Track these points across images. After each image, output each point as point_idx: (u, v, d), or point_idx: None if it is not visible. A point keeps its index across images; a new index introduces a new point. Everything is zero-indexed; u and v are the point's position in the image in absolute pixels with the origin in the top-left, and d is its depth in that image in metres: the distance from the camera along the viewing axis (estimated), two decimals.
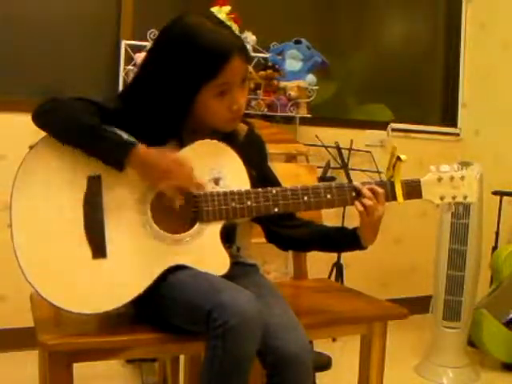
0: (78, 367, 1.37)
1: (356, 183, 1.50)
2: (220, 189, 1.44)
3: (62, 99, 1.39)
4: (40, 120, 1.37)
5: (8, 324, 2.71)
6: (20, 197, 1.36)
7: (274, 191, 1.46)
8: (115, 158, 1.35)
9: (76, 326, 1.41)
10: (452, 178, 1.53)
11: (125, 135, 1.36)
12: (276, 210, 1.46)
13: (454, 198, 1.53)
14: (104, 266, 1.37)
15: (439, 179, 1.53)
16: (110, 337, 1.37)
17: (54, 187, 1.38)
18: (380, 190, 1.49)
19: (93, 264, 1.37)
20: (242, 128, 1.57)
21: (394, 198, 1.52)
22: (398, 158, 1.49)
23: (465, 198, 1.54)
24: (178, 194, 1.39)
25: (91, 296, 1.36)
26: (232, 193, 1.43)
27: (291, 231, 1.63)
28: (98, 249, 1.37)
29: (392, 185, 1.52)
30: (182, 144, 1.46)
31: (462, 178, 1.53)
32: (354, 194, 1.50)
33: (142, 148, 1.35)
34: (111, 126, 1.38)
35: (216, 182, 1.44)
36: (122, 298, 1.37)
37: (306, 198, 1.48)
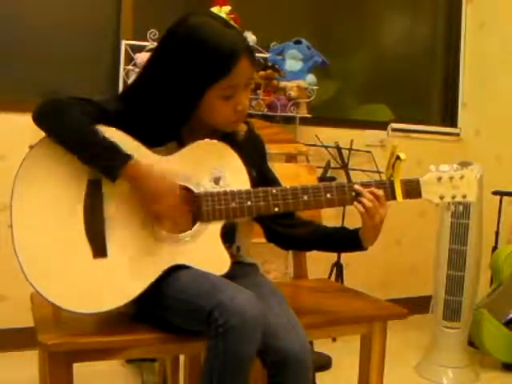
0: (77, 367, 1.37)
1: (357, 186, 1.50)
2: (220, 188, 1.44)
3: (63, 100, 1.38)
4: (39, 121, 1.37)
5: (8, 324, 2.71)
6: (20, 197, 1.36)
7: (273, 191, 1.46)
8: (108, 169, 1.35)
9: (76, 325, 1.41)
10: (451, 178, 1.53)
11: (121, 146, 1.35)
12: (276, 209, 1.47)
13: (453, 197, 1.53)
14: (105, 265, 1.37)
15: (439, 179, 1.53)
16: (109, 337, 1.37)
17: (55, 187, 1.37)
18: (381, 193, 1.49)
19: (93, 264, 1.37)
20: (242, 128, 1.57)
21: (394, 197, 1.52)
22: (398, 157, 1.49)
23: (464, 197, 1.54)
24: (167, 217, 1.38)
25: (92, 296, 1.36)
26: (232, 192, 1.43)
27: (291, 230, 1.63)
28: (99, 248, 1.37)
29: (391, 184, 1.52)
30: (181, 144, 1.46)
31: (462, 177, 1.53)
32: (353, 193, 1.50)
33: (136, 163, 1.34)
34: (111, 127, 1.39)
35: (216, 181, 1.44)
36: (122, 298, 1.37)
37: (305, 197, 1.48)
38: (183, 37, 1.38)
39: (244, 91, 1.43)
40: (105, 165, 1.35)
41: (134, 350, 1.41)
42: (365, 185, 1.51)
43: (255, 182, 1.48)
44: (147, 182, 1.35)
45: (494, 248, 3.09)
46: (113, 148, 1.34)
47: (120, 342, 1.38)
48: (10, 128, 2.70)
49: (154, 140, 1.42)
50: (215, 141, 1.46)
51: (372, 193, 1.49)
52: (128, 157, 1.34)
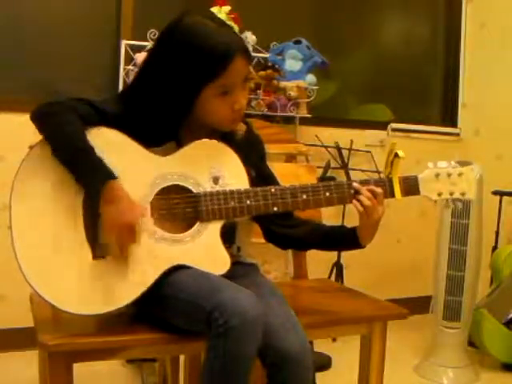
0: (78, 367, 1.37)
1: (355, 184, 1.50)
2: (219, 188, 1.44)
3: (61, 103, 1.38)
4: (35, 123, 1.37)
5: (8, 324, 2.71)
6: (20, 198, 1.36)
7: (273, 190, 1.46)
8: (89, 185, 1.35)
9: (76, 326, 1.40)
10: (449, 175, 1.52)
11: (106, 165, 1.35)
12: (275, 208, 1.47)
13: (451, 194, 1.53)
14: (104, 266, 1.37)
15: (437, 175, 1.52)
16: (109, 337, 1.37)
17: (54, 188, 1.37)
18: (379, 191, 1.49)
19: (93, 265, 1.37)
20: (241, 127, 1.57)
21: (392, 194, 1.52)
22: (396, 155, 1.48)
23: (463, 194, 1.53)
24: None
25: (91, 297, 1.36)
26: (231, 192, 1.43)
27: (290, 230, 1.63)
28: (98, 249, 1.37)
29: (390, 181, 1.52)
30: (180, 145, 1.46)
31: (460, 174, 1.52)
32: (352, 191, 1.50)
33: (115, 186, 1.34)
34: (109, 128, 1.39)
35: (215, 181, 1.44)
36: (122, 299, 1.37)
37: (304, 196, 1.48)
38: (178, 37, 1.39)
39: (241, 90, 1.43)
40: (84, 182, 1.35)
41: (134, 350, 1.41)
42: (363, 183, 1.51)
43: (254, 182, 1.48)
44: (117, 211, 1.34)
45: (494, 248, 3.09)
46: (96, 167, 1.34)
47: (120, 342, 1.38)
48: (10, 128, 2.70)
49: (153, 140, 1.42)
50: (214, 140, 1.46)
51: (370, 190, 1.49)
52: (107, 177, 1.33)
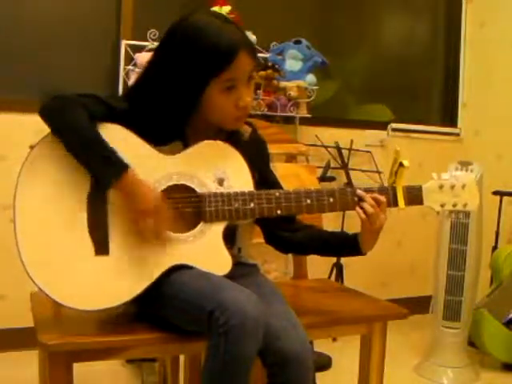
0: (78, 367, 1.37)
1: (359, 191, 1.50)
2: (224, 189, 1.44)
3: (70, 98, 1.38)
4: (45, 117, 1.37)
5: (8, 324, 2.71)
6: (23, 196, 1.36)
7: (277, 193, 1.47)
8: (105, 177, 1.35)
9: (76, 325, 1.41)
10: (453, 186, 1.53)
11: (119, 155, 1.35)
12: (279, 212, 1.46)
13: (454, 205, 1.54)
14: (106, 263, 1.37)
15: (440, 187, 1.53)
16: (110, 337, 1.37)
17: (56, 186, 1.37)
18: (383, 199, 1.49)
19: (95, 261, 1.37)
20: (246, 129, 1.57)
21: (396, 203, 1.52)
22: (401, 164, 1.48)
23: (465, 206, 1.54)
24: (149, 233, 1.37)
25: (93, 293, 1.36)
26: (235, 194, 1.44)
27: (291, 234, 1.63)
28: (101, 246, 1.37)
29: (394, 191, 1.52)
30: (186, 144, 1.46)
31: (463, 186, 1.53)
32: (356, 198, 1.50)
33: (131, 175, 1.34)
34: (116, 124, 1.39)
35: (220, 182, 1.44)
36: (123, 296, 1.37)
37: (308, 200, 1.48)
38: (183, 33, 1.39)
39: (245, 88, 1.43)
40: (100, 173, 1.35)
41: (134, 350, 1.40)
42: (367, 190, 1.51)
43: (258, 186, 1.48)
44: (139, 197, 1.35)
45: (494, 248, 3.09)
46: (110, 158, 1.34)
47: (120, 342, 1.38)
48: (10, 128, 2.71)
49: (159, 139, 1.43)
50: (220, 142, 1.46)
51: (374, 198, 1.49)
52: (123, 169, 1.34)
